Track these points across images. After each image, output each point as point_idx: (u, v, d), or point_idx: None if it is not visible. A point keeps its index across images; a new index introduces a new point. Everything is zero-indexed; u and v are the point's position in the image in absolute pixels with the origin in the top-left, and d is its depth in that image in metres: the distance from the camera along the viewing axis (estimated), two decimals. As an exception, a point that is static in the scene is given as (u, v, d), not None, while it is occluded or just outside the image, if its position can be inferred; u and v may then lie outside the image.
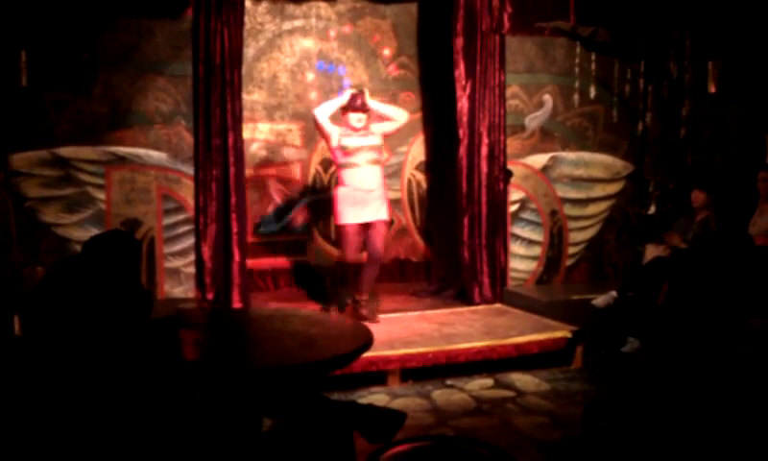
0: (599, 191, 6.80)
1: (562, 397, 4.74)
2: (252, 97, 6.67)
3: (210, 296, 5.81)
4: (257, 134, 6.74)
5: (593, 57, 6.68)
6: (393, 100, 6.68)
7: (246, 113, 6.23)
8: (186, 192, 5.87)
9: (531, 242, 6.64)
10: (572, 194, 6.72)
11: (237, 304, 5.79)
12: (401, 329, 5.42)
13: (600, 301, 5.62)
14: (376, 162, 5.54)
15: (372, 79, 6.94)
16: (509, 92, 6.44)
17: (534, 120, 6.60)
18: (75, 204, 5.66)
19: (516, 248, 6.59)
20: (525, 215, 6.61)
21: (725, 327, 3.56)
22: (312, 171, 6.93)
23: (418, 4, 7.02)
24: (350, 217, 5.46)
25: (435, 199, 7.17)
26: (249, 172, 6.32)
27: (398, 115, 5.67)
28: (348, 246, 5.50)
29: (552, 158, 6.66)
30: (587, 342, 5.42)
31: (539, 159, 6.63)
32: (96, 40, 5.61)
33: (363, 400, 4.40)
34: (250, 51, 6.57)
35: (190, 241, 5.90)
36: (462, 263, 6.39)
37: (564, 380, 5.06)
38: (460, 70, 6.26)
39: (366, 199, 5.45)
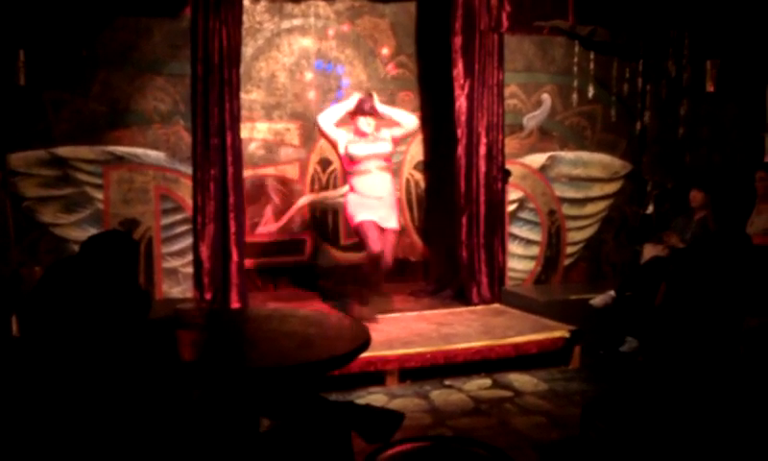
0: (597, 191, 6.80)
1: (560, 397, 4.74)
2: (251, 96, 6.67)
3: (208, 296, 5.81)
4: (255, 134, 6.74)
5: (592, 56, 6.68)
6: (391, 99, 6.68)
7: (244, 113, 6.22)
8: (184, 192, 5.87)
9: (529, 242, 6.64)
10: (570, 194, 6.72)
11: (235, 304, 5.79)
12: (400, 329, 5.42)
13: (598, 300, 5.62)
14: (387, 169, 5.44)
15: (370, 78, 6.94)
16: (507, 91, 6.44)
17: (532, 119, 6.60)
18: (73, 203, 5.65)
19: (514, 247, 6.59)
20: (523, 215, 6.61)
21: (723, 327, 3.56)
22: (311, 170, 6.93)
23: (416, 3, 7.02)
24: (365, 216, 5.32)
25: (433, 198, 7.17)
26: (247, 172, 6.31)
27: (408, 121, 5.56)
28: (369, 239, 5.26)
29: (550, 158, 6.66)
30: (585, 342, 5.42)
31: (537, 159, 6.63)
32: (94, 39, 5.60)
33: (361, 401, 4.40)
34: (248, 50, 6.56)
35: (188, 241, 5.89)
36: (460, 263, 6.39)
37: (562, 380, 5.06)
38: (458, 69, 6.26)
39: (376, 206, 5.33)
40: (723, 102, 6.65)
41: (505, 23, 6.32)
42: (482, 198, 6.32)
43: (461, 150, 6.31)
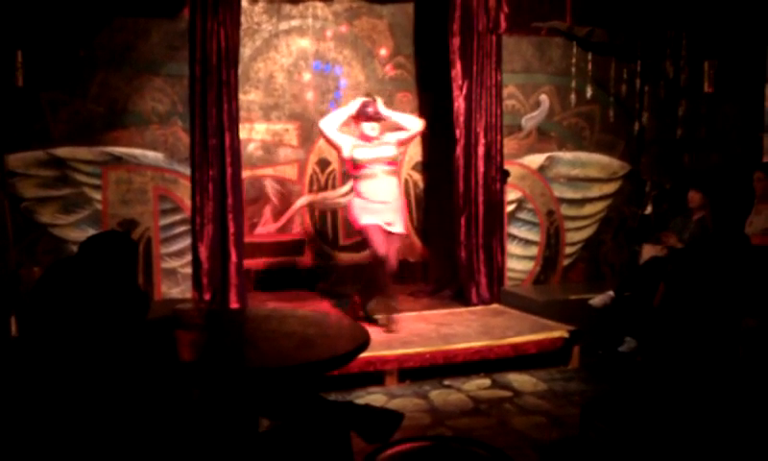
0: (596, 191, 6.81)
1: (559, 397, 4.74)
2: (249, 97, 6.66)
3: (207, 296, 5.80)
4: (254, 135, 6.74)
5: (590, 57, 6.68)
6: (389, 100, 6.68)
7: (242, 113, 6.21)
8: (183, 192, 5.87)
9: (528, 242, 6.64)
10: (569, 194, 6.72)
11: (234, 305, 5.78)
12: (399, 329, 5.41)
13: (597, 300, 5.62)
14: (392, 173, 5.38)
15: (368, 79, 6.95)
16: (505, 92, 6.45)
17: (530, 120, 6.60)
18: (71, 204, 5.64)
19: (513, 248, 6.59)
20: (522, 215, 6.61)
21: (721, 327, 3.57)
22: (309, 171, 6.93)
23: (414, 4, 7.02)
24: (370, 219, 5.25)
25: (432, 199, 7.17)
26: (245, 172, 6.30)
27: (413, 124, 5.51)
28: (376, 242, 5.20)
29: (549, 158, 6.66)
30: (584, 342, 5.42)
31: (535, 159, 6.63)
32: (92, 40, 5.60)
33: (360, 401, 4.39)
34: (246, 51, 6.56)
35: (187, 242, 5.89)
36: (459, 263, 6.40)
37: (561, 380, 5.06)
38: (456, 70, 6.26)
39: (381, 211, 5.26)
40: (721, 102, 6.66)
41: (503, 24, 6.32)
42: (481, 198, 6.33)
43: (459, 150, 6.31)
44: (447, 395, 4.77)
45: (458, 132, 6.30)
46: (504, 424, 4.28)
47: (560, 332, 5.39)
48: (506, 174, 6.44)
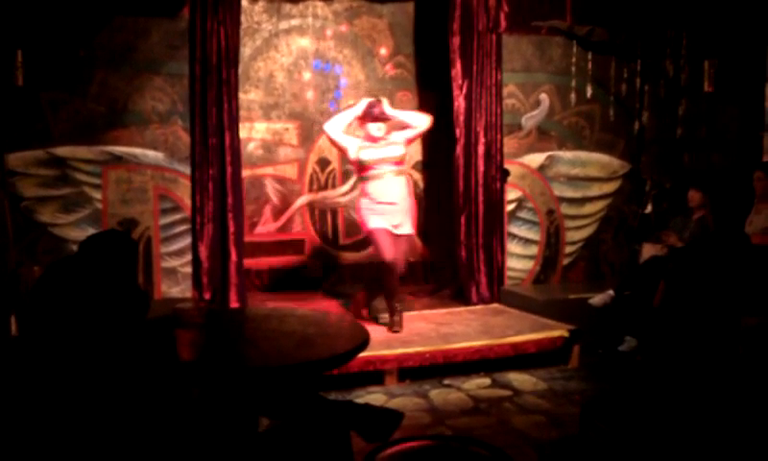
0: (596, 190, 6.81)
1: (559, 396, 4.74)
2: (249, 96, 6.66)
3: (207, 295, 5.81)
4: (254, 134, 6.73)
5: (590, 56, 6.68)
6: (390, 99, 6.65)
7: (242, 113, 6.21)
8: (183, 192, 5.87)
9: (528, 241, 6.65)
10: (569, 193, 6.73)
11: (234, 304, 5.78)
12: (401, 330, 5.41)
13: (597, 300, 5.63)
14: (401, 173, 5.32)
15: (368, 78, 6.95)
16: (505, 91, 6.45)
17: (530, 119, 6.60)
18: (71, 203, 5.64)
19: (513, 247, 6.59)
20: (522, 214, 6.62)
21: (721, 326, 3.57)
22: (309, 170, 6.93)
23: (414, 3, 7.02)
24: (378, 223, 5.20)
25: (432, 198, 7.17)
26: (245, 172, 6.30)
27: (420, 121, 5.44)
28: (383, 246, 5.14)
29: (549, 158, 6.66)
30: (584, 341, 5.42)
31: (535, 159, 6.63)
32: (92, 40, 5.60)
33: (360, 400, 4.39)
34: (246, 50, 6.55)
35: (187, 241, 5.89)
36: (459, 263, 6.40)
37: (561, 379, 5.06)
38: (456, 69, 6.26)
39: (388, 212, 5.20)
40: (721, 102, 6.66)
41: (503, 23, 6.32)
42: (481, 197, 6.33)
43: (459, 150, 6.31)
44: (447, 394, 4.77)
45: (458, 131, 6.30)
46: (504, 424, 4.28)
47: (560, 331, 5.39)
48: (506, 173, 6.45)
